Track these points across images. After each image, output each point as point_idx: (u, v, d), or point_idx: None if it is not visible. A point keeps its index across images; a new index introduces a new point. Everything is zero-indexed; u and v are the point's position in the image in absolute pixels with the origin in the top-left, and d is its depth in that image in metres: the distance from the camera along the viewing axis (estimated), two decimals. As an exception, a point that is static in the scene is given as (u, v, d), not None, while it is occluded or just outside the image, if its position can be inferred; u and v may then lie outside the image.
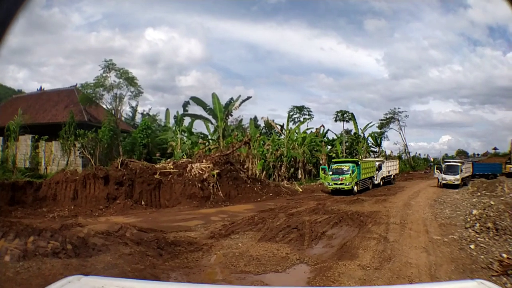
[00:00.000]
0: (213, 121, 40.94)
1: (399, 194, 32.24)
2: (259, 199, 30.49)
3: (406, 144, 65.70)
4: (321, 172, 33.39)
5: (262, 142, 43.50)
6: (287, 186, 35.22)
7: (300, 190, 34.60)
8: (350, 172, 31.00)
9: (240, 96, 39.99)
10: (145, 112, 54.71)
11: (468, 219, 20.03)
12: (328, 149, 48.08)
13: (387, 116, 63.19)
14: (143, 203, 27.01)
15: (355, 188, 31.74)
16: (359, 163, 32.68)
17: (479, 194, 29.25)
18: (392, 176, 40.26)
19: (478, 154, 61.51)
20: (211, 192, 28.95)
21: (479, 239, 16.79)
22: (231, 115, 40.04)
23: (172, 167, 30.98)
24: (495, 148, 72.51)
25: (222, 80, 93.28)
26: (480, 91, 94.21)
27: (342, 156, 47.43)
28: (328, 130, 51.75)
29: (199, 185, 28.66)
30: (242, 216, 22.71)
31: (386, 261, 13.54)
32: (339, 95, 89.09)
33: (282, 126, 45.45)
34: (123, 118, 48.36)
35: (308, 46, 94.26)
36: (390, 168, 39.78)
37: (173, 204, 27.71)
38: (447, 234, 17.72)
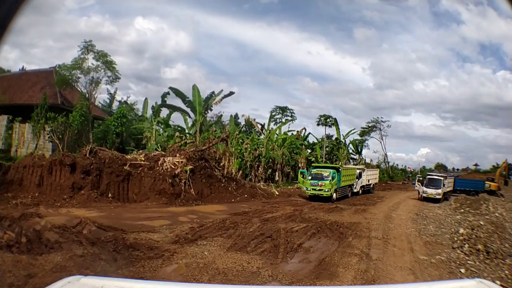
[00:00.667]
0: (192, 114, 38.71)
1: (379, 204, 30.71)
2: (233, 200, 28.62)
3: (386, 154, 64.77)
4: (299, 176, 31.63)
5: (241, 140, 41.55)
6: (263, 188, 33.36)
7: (277, 193, 32.79)
8: (330, 178, 29.32)
9: (222, 90, 37.93)
10: (123, 100, 52.05)
11: (455, 238, 18.50)
12: (308, 153, 46.37)
13: (370, 125, 62.21)
14: (110, 195, 25.11)
15: (334, 195, 30.10)
16: (340, 169, 31.05)
17: (462, 210, 27.92)
18: (371, 185, 38.82)
19: (457, 169, 60.81)
20: (182, 189, 26.93)
21: (469, 262, 15.22)
22: (211, 110, 37.98)
23: (143, 159, 28.78)
24: (476, 165, 72.08)
25: (207, 75, 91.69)
26: (465, 107, 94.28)
27: (322, 161, 45.86)
28: (309, 133, 50.18)
29: (170, 180, 26.63)
30: (213, 218, 20.91)
31: (369, 284, 12.07)
32: (322, 100, 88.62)
33: (262, 126, 43.48)
34: (99, 104, 46.36)
35: (296, 49, 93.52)
36: (370, 177, 38.33)
37: (141, 199, 25.76)
38: (434, 254, 16.12)
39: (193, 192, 27.47)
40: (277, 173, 40.53)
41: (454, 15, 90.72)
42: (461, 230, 19.62)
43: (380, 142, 63.03)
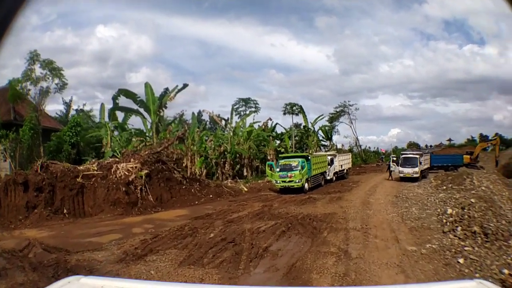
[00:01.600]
0: (146, 115, 35.14)
1: (355, 190, 28.11)
2: (196, 202, 25.61)
3: (357, 138, 62.75)
4: (267, 169, 28.75)
5: (205, 137, 38.33)
6: (231, 186, 30.33)
7: (245, 189, 29.80)
8: (299, 168, 26.59)
9: (177, 86, 34.44)
10: (79, 108, 47.96)
11: (444, 221, 16.00)
12: (276, 144, 43.46)
13: (337, 110, 60.12)
14: (65, 211, 22.34)
15: (306, 185, 27.34)
16: (309, 157, 28.39)
17: (444, 187, 25.56)
18: (345, 171, 36.25)
19: (431, 146, 59.06)
20: (139, 197, 24.00)
21: (466, 248, 12.62)
22: (165, 107, 34.49)
23: (95, 168, 25.44)
24: (449, 139, 70.77)
25: (173, 77, 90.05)
26: (432, 84, 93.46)
27: (292, 151, 43.06)
28: (277, 124, 47.15)
29: (124, 188, 23.64)
30: (171, 225, 18.17)
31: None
32: (289, 90, 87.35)
33: (226, 120, 40.25)
34: (56, 116, 43.23)
35: (259, 43, 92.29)
36: (343, 162, 35.74)
37: (96, 211, 22.96)
38: (423, 242, 13.52)
39: (151, 199, 24.53)
40: (245, 168, 37.50)
41: None
42: (449, 210, 17.17)
43: (350, 126, 61.04)
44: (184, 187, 26.96)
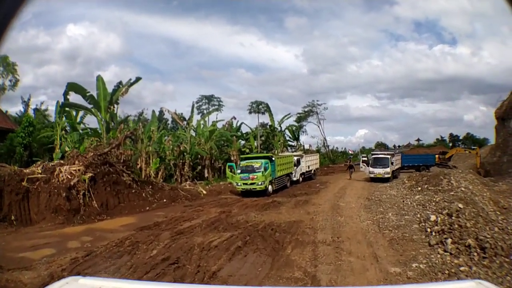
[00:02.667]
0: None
1: (323, 192, 25.44)
2: (147, 208, 22.32)
3: (325, 138, 60.65)
4: (227, 171, 25.72)
5: (165, 137, 34.85)
6: (189, 189, 27.09)
7: (204, 192, 26.65)
8: (262, 169, 23.84)
9: (130, 79, 30.72)
10: (36, 107, 43.61)
11: (428, 230, 13.36)
12: (241, 144, 40.44)
13: (306, 109, 57.89)
14: (12, 218, 19.41)
15: (270, 187, 24.55)
16: (273, 158, 25.65)
17: (419, 189, 23.19)
18: (312, 171, 33.69)
19: (399, 146, 57.85)
20: (81, 203, 20.61)
21: (462, 268, 9.90)
22: (117, 103, 30.69)
23: (40, 171, 22.01)
24: (418, 139, 70.04)
25: (141, 75, 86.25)
26: (400, 84, 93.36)
27: (257, 152, 40.17)
28: (242, 123, 44.15)
29: (65, 194, 20.25)
30: (112, 238, 15.04)
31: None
32: (258, 90, 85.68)
33: (186, 120, 36.82)
34: (16, 115, 39.71)
35: (228, 42, 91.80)
36: (310, 162, 33.15)
37: (39, 219, 19.95)
38: (407, 260, 10.79)
39: (96, 205, 21.18)
40: (206, 170, 34.29)
41: None
42: (433, 217, 14.64)
43: (318, 126, 59.14)
44: (134, 191, 23.67)
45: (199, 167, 35.21)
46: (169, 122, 43.02)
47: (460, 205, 14.70)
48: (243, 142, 42.75)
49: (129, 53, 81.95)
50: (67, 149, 30.50)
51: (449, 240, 11.56)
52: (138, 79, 28.90)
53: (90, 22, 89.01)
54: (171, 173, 33.03)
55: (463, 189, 21.05)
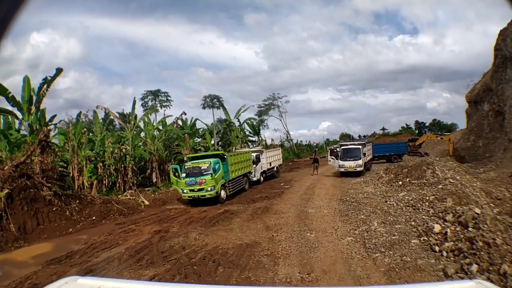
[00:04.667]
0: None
1: (288, 193, 20.77)
2: (70, 230, 17.08)
3: (288, 131, 56.35)
4: (171, 175, 20.54)
5: (109, 140, 29.11)
6: (127, 200, 21.72)
7: (146, 203, 21.44)
8: (211, 171, 18.74)
9: (55, 73, 24.75)
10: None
11: (437, 248, 8.94)
12: (195, 143, 35.14)
13: (266, 103, 53.42)
14: None
15: (223, 193, 19.63)
16: (225, 157, 20.63)
17: (401, 183, 18.92)
18: (275, 169, 28.96)
19: (364, 136, 54.36)
20: (-2, 227, 15.52)
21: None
22: (39, 103, 24.75)
23: None
24: (383, 128, 67.30)
25: (100, 79, 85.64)
26: (361, 77, 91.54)
27: (214, 149, 35.09)
28: (196, 119, 38.82)
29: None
30: (17, 275, 10.91)
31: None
32: (219, 89, 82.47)
33: (125, 116, 31.12)
34: None
35: (188, 41, 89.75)
36: (272, 159, 28.40)
37: None
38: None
39: (13, 228, 16.27)
40: (153, 174, 28.92)
41: None
42: (437, 227, 10.38)
43: (280, 120, 55.12)
44: (55, 208, 18.31)
45: (148, 171, 29.88)
46: (116, 123, 37.12)
47: (477, 210, 10.28)
48: (198, 139, 37.56)
49: (88, 57, 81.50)
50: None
51: (475, 267, 7.12)
52: (58, 70, 23.17)
53: (52, 29, 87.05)
54: (113, 180, 27.55)
55: (451, 180, 17.40)
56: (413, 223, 11.90)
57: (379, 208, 14.57)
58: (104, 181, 27.52)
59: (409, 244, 9.91)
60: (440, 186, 16.48)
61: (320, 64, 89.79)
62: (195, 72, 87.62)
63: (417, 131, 67.13)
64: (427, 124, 70.66)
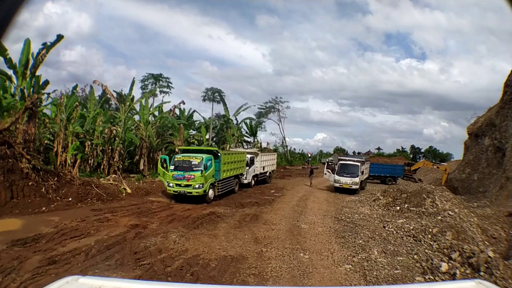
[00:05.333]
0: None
1: (279, 202, 19.38)
2: (44, 209, 15.62)
3: (284, 137, 54.96)
4: (159, 166, 18.97)
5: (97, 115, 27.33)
6: (109, 184, 20.14)
7: (128, 191, 19.90)
8: (201, 167, 17.25)
9: (56, 39, 22.96)
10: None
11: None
12: (189, 135, 33.54)
13: (268, 105, 52.05)
14: None
15: (211, 192, 18.17)
16: (219, 154, 19.11)
17: (398, 208, 17.65)
18: (267, 174, 27.52)
19: (359, 153, 53.11)
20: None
21: None
22: (34, 69, 22.97)
23: None
24: (378, 148, 66.16)
25: (106, 58, 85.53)
26: (363, 93, 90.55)
27: (208, 145, 33.56)
28: (194, 111, 37.23)
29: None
30: None
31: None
32: (221, 84, 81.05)
33: (122, 96, 29.39)
34: None
35: (197, 33, 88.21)
36: (266, 163, 26.98)
37: None
38: None
39: None
40: (141, 161, 27.32)
41: (361, 5, 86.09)
42: (444, 266, 9.13)
43: (278, 125, 53.69)
44: (31, 183, 16.81)
45: (137, 157, 28.28)
46: (113, 102, 35.33)
47: (491, 254, 9.00)
48: (193, 132, 35.99)
49: (97, 35, 79.49)
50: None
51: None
52: (59, 37, 21.57)
53: (66, 0, 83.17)
54: (98, 161, 25.95)
55: (450, 212, 16.12)
56: (415, 256, 10.61)
57: (377, 233, 13.26)
58: (90, 161, 25.95)
59: (414, 282, 8.61)
60: (439, 218, 15.30)
61: (324, 75, 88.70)
62: (200, 64, 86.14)
63: (411, 156, 66.17)
64: (422, 150, 69.77)
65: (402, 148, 70.33)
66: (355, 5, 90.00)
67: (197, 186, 16.99)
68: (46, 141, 24.60)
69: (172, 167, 17.62)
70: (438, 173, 38.29)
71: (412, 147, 70.40)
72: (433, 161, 50.63)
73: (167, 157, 18.44)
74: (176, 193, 17.52)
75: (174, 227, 12.96)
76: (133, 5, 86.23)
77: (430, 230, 13.00)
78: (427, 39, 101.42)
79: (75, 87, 28.57)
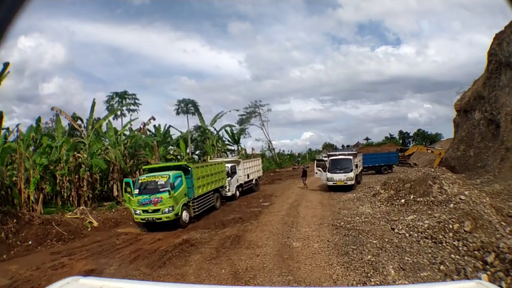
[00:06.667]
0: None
1: (267, 214, 16.46)
2: (4, 256, 13.00)
3: (269, 140, 52.12)
4: (123, 191, 15.91)
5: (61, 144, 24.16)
6: (74, 219, 17.00)
7: (94, 224, 16.79)
8: (168, 187, 14.20)
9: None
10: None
11: None
12: (167, 151, 30.39)
13: (248, 110, 49.28)
14: None
15: (185, 214, 15.12)
16: (189, 168, 16.03)
17: (403, 201, 14.90)
18: (254, 181, 24.52)
19: (348, 146, 50.56)
20: None
21: None
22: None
23: None
24: (367, 138, 63.80)
25: (84, 85, 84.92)
26: (343, 87, 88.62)
27: (189, 159, 30.50)
28: (170, 126, 34.06)
29: None
30: None
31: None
32: (201, 97, 78.82)
33: (81, 119, 26.24)
34: None
35: (171, 49, 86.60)
36: (250, 170, 23.99)
37: None
38: None
39: None
40: (115, 186, 24.21)
41: (330, 0, 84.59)
42: (485, 277, 6.64)
43: (262, 129, 50.94)
44: (-17, 230, 13.87)
45: (111, 183, 25.15)
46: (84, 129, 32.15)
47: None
48: (172, 148, 32.90)
49: (72, 63, 77.25)
50: None
51: None
52: (6, 64, 18.65)
53: (39, 33, 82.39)
54: (67, 193, 22.81)
55: (462, 197, 13.56)
56: (442, 267, 7.93)
57: (387, 240, 10.44)
58: (63, 194, 22.88)
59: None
60: (452, 205, 12.76)
61: (302, 74, 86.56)
62: (177, 80, 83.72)
63: (401, 141, 63.82)
64: (411, 134, 67.47)
65: (390, 135, 68.10)
66: (323, 0, 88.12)
67: (166, 210, 13.95)
68: (14, 178, 21.53)
69: (136, 191, 14.58)
70: (430, 155, 36.24)
71: (400, 132, 68.13)
72: (424, 143, 48.64)
73: (130, 180, 15.35)
74: (144, 221, 14.48)
75: (135, 268, 10.05)
76: (105, 29, 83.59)
77: (450, 226, 10.25)
78: (400, 24, 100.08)
79: (38, 119, 25.38)
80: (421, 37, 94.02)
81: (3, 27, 1.65)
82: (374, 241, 10.42)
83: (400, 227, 11.48)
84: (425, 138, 61.94)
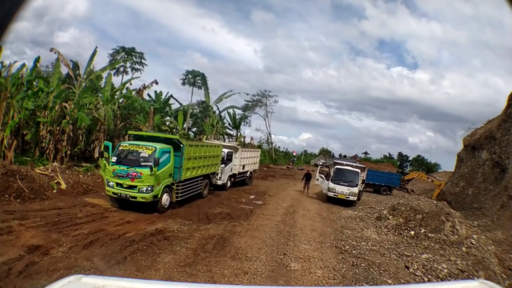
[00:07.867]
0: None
1: (259, 216, 14.01)
2: None
3: (270, 133, 49.69)
4: (100, 157, 13.33)
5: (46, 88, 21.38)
6: (42, 176, 14.43)
7: (62, 186, 14.26)
8: (152, 162, 11.64)
9: None
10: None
11: None
12: (162, 121, 27.68)
13: (255, 98, 46.72)
14: None
15: (165, 198, 12.56)
16: (182, 145, 13.38)
17: (413, 233, 12.63)
18: (248, 174, 22.04)
19: (345, 156, 48.10)
20: None
21: None
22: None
23: None
24: (366, 153, 61.31)
25: (97, 41, 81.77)
26: (351, 97, 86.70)
27: (183, 133, 27.90)
28: (171, 95, 31.23)
29: None
30: None
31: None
32: (210, 77, 76.10)
33: (78, 66, 23.49)
34: None
35: (190, 23, 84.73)
36: (247, 161, 21.49)
37: None
38: None
39: None
40: (97, 148, 21.56)
41: (358, 10, 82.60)
42: None
43: (265, 120, 48.42)
44: None
45: (97, 142, 22.52)
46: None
47: None
48: (169, 118, 30.20)
49: (91, 18, 75.25)
50: None
51: None
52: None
53: None
54: (45, 144, 20.17)
55: (472, 241, 12.03)
56: None
57: (403, 282, 8.12)
58: (42, 145, 20.27)
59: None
60: (464, 249, 11.30)
61: (314, 76, 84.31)
62: (190, 55, 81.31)
63: (399, 163, 61.69)
64: (410, 158, 65.30)
65: (390, 154, 65.99)
66: (351, 9, 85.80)
67: (144, 189, 11.46)
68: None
69: (114, 159, 12.05)
70: (426, 184, 34.25)
71: (400, 154, 65.99)
72: (421, 170, 46.52)
73: (110, 144, 12.67)
74: (116, 196, 11.98)
75: (87, 257, 7.61)
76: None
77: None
78: (421, 48, 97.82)
79: (37, 59, 22.47)
80: (439, 66, 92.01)
81: (6, 19, 1.46)
82: (389, 281, 8.08)
83: (416, 267, 9.22)
84: (423, 165, 59.94)
